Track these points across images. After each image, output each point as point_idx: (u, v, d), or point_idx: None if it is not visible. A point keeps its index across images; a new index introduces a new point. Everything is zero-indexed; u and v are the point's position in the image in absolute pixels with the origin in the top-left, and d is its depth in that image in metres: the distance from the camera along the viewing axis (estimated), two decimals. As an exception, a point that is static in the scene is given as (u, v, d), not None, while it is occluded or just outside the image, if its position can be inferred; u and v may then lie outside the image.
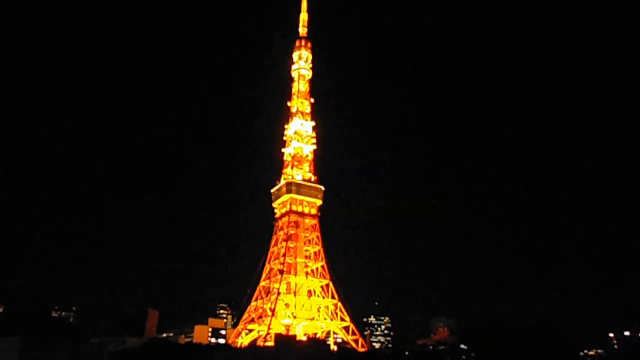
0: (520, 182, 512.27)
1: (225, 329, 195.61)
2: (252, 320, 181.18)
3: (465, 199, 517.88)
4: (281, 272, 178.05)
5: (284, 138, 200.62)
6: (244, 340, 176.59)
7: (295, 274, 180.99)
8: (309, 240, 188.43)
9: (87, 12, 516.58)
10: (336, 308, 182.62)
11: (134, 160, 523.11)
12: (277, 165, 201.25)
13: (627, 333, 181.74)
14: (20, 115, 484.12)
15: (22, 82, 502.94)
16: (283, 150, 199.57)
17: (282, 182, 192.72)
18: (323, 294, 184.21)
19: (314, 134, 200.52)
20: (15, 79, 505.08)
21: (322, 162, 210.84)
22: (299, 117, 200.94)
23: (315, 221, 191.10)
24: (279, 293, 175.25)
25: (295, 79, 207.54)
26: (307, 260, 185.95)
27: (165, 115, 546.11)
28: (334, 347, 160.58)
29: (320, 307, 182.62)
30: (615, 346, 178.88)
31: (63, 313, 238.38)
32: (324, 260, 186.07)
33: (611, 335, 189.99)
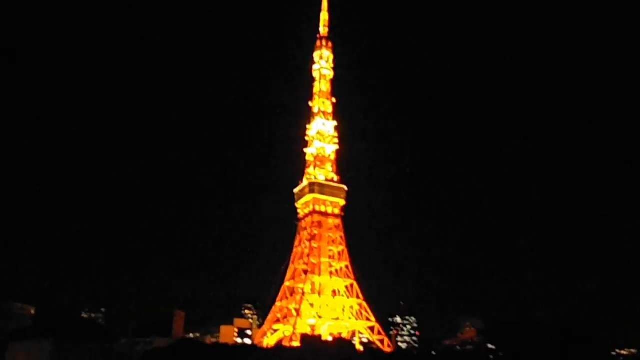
0: (550, 183, 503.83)
1: (250, 329, 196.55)
2: (278, 321, 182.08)
3: (494, 198, 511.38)
4: (305, 272, 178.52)
5: (306, 138, 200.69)
6: (269, 341, 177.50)
7: (320, 274, 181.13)
8: (333, 240, 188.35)
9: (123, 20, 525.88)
10: (361, 308, 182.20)
11: (163, 164, 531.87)
12: (299, 165, 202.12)
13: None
14: (42, 117, 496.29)
15: (38, 84, 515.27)
16: (305, 150, 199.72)
17: (305, 182, 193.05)
18: (347, 293, 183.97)
19: (336, 134, 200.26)
20: (24, 80, 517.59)
21: (344, 162, 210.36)
22: (320, 117, 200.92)
23: (338, 221, 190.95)
24: (303, 293, 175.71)
25: (317, 78, 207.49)
26: (331, 260, 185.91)
27: (190, 117, 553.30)
28: (359, 347, 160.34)
29: (344, 307, 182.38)
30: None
31: (92, 314, 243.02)
32: (348, 260, 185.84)
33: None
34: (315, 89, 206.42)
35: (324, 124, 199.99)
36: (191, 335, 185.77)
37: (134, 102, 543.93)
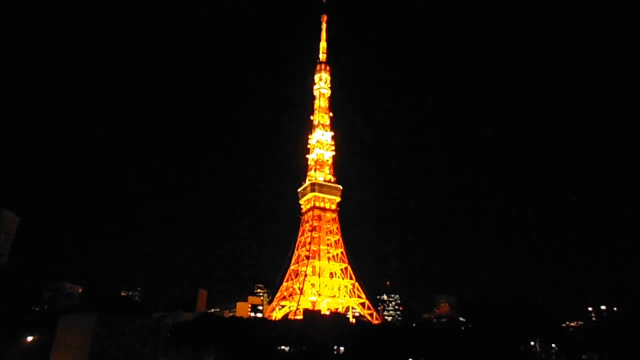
0: (511, 178, 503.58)
1: (262, 305, 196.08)
2: (284, 298, 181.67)
3: (464, 194, 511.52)
4: (307, 257, 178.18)
5: (308, 146, 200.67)
6: (277, 315, 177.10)
7: (319, 259, 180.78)
8: (330, 231, 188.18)
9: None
10: (354, 287, 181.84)
11: (195, 168, 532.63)
12: (302, 169, 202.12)
13: (603, 307, 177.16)
14: (102, 118, 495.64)
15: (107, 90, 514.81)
16: (307, 156, 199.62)
17: (307, 182, 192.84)
18: (342, 275, 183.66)
19: (332, 142, 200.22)
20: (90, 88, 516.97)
21: (340, 166, 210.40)
22: (320, 128, 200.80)
23: (335, 215, 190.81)
24: (306, 275, 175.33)
25: (317, 96, 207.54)
26: (328, 247, 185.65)
27: (218, 133, 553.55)
28: (352, 320, 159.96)
29: (340, 287, 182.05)
30: (593, 318, 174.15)
31: (130, 293, 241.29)
32: (342, 247, 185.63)
33: (590, 309, 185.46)
34: (316, 105, 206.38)
35: (322, 134, 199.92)
36: (212, 310, 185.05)
37: (176, 120, 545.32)
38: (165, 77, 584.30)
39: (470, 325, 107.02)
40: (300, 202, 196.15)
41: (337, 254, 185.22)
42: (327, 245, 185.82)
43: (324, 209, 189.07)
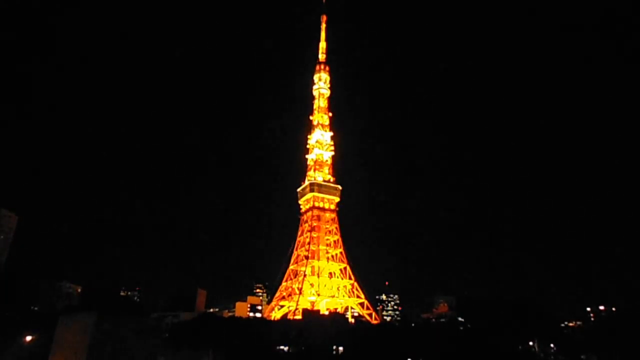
0: (509, 178, 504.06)
1: (261, 305, 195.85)
2: (283, 298, 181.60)
3: (464, 194, 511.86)
4: (306, 257, 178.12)
5: (307, 146, 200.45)
6: (276, 314, 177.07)
7: (318, 259, 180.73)
8: (329, 231, 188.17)
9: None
10: (353, 287, 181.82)
11: (195, 166, 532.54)
12: (302, 169, 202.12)
13: (601, 307, 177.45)
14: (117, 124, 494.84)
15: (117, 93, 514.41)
16: (307, 156, 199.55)
17: (306, 182, 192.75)
18: (342, 275, 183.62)
19: (332, 142, 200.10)
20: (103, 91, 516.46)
21: (339, 166, 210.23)
22: (319, 128, 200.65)
23: (334, 215, 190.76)
24: (305, 275, 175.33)
25: (316, 97, 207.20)
26: (327, 248, 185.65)
27: (219, 138, 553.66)
28: (351, 320, 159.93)
29: (339, 287, 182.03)
30: (592, 318, 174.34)
31: (129, 292, 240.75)
32: (342, 247, 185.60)
33: (588, 309, 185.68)
34: (315, 105, 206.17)
35: (322, 135, 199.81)
36: (211, 310, 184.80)
37: (175, 120, 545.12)
38: (164, 77, 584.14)
39: (469, 325, 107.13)
40: (300, 202, 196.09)
41: (336, 254, 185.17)
42: (326, 245, 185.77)
43: (323, 209, 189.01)
